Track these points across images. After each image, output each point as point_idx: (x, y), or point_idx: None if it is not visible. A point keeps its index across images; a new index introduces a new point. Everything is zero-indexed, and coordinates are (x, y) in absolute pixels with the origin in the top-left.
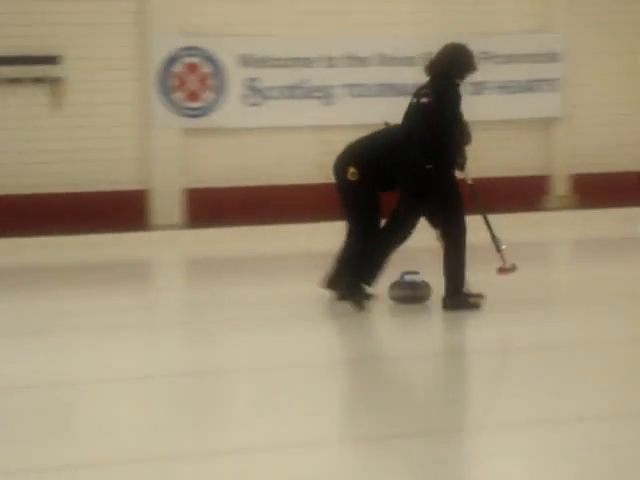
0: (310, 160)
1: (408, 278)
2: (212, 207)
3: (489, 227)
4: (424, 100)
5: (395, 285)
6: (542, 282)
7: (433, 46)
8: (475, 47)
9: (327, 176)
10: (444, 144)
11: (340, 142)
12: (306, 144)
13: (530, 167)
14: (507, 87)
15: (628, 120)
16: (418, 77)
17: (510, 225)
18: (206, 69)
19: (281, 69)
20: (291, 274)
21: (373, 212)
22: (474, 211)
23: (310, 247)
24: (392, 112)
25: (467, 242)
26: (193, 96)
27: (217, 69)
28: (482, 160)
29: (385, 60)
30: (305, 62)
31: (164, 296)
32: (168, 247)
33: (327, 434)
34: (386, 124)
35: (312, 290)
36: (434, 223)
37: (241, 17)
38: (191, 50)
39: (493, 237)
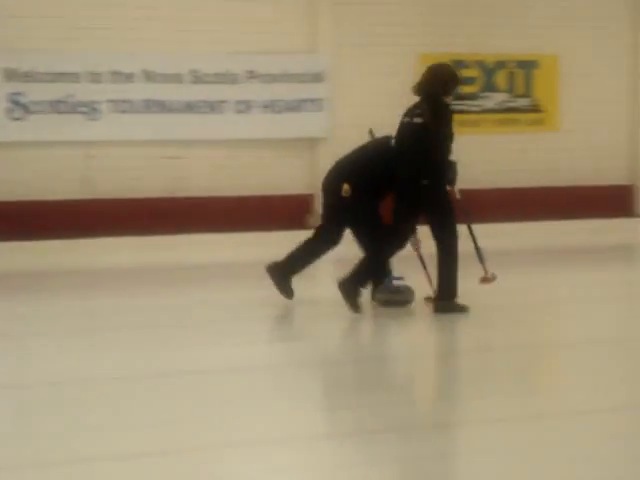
0: (75, 175)
1: (393, 283)
2: None
3: (474, 239)
4: (418, 120)
5: (381, 289)
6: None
7: (200, 64)
8: (240, 66)
9: (92, 192)
10: (438, 160)
11: (105, 157)
12: (71, 159)
13: (295, 186)
14: (272, 106)
15: None
16: (185, 94)
17: (275, 243)
18: None
19: (46, 84)
20: (59, 290)
21: (376, 221)
22: (461, 222)
23: (75, 263)
24: (159, 128)
25: (459, 249)
26: None
27: None
28: (247, 178)
29: (151, 77)
30: (70, 77)
31: None
32: None
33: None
34: (370, 132)
35: (85, 305)
36: (432, 231)
37: (5, 31)
38: None
39: (477, 248)
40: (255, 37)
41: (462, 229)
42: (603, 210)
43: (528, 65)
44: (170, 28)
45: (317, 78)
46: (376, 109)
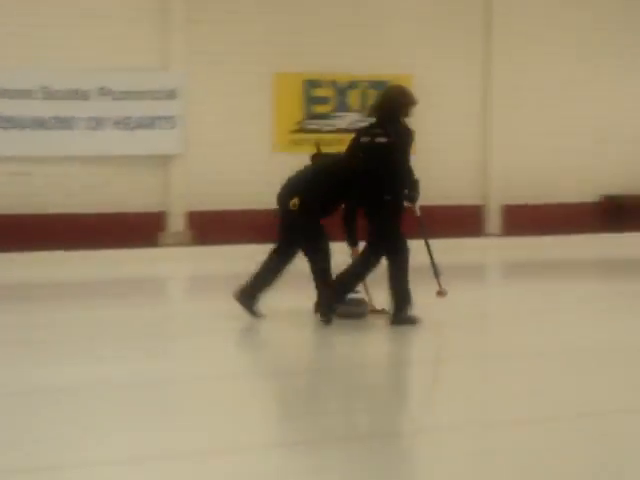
0: None
1: (349, 296)
2: None
3: (430, 254)
4: (381, 140)
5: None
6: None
7: (50, 80)
8: (92, 83)
9: None
10: (401, 178)
11: None
12: None
13: (147, 203)
14: (124, 123)
15: (241, 159)
16: (35, 110)
17: (127, 260)
18: None
19: None
20: None
21: (321, 236)
22: (419, 238)
23: None
24: (8, 144)
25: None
26: None
27: None
28: (99, 195)
29: (2, 93)
30: None
31: None
32: None
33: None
34: (317, 145)
35: None
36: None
37: None
38: None
39: (433, 264)
40: (107, 54)
41: (418, 244)
42: (454, 229)
43: (381, 85)
44: (21, 43)
45: (170, 95)
46: (230, 126)
